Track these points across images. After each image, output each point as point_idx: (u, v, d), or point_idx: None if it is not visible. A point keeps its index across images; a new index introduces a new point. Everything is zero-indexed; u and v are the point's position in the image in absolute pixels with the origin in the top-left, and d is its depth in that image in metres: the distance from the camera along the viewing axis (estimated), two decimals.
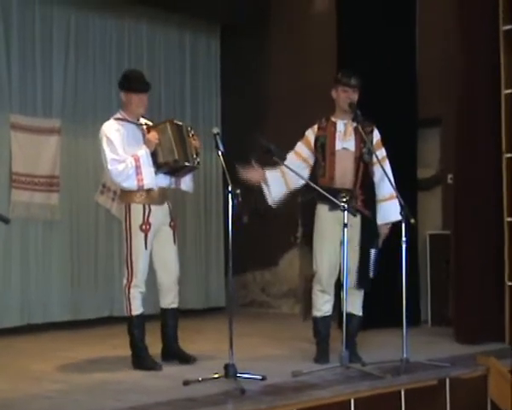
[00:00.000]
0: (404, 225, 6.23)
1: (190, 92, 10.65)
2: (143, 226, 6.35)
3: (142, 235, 6.36)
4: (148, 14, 10.14)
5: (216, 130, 6.33)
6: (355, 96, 6.66)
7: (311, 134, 6.81)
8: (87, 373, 6.29)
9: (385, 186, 6.55)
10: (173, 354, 6.57)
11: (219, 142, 6.23)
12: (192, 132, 6.61)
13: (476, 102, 7.63)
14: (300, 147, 6.82)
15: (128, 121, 6.48)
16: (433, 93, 8.96)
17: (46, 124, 9.12)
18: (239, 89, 10.95)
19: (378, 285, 8.19)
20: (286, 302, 10.74)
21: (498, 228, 7.53)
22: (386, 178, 6.45)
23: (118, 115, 6.53)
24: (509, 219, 7.49)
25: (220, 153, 6.13)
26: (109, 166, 6.31)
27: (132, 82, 6.49)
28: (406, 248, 6.25)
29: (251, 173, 6.60)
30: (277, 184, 6.66)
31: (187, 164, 6.41)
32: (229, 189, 5.72)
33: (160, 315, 6.65)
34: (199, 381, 5.57)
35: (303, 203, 8.83)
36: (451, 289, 8.05)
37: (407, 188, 8.17)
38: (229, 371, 5.53)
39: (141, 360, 6.37)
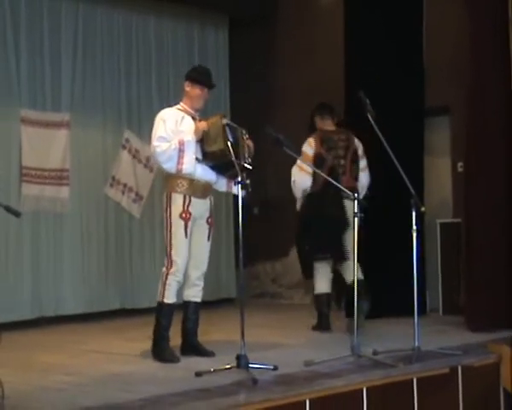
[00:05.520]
0: (414, 213, 6.23)
1: None
2: (183, 215, 6.35)
3: (182, 223, 6.36)
4: (155, 7, 10.14)
5: (225, 121, 6.34)
6: None
7: None
8: (99, 365, 6.29)
9: None
10: (193, 348, 6.52)
11: (229, 133, 6.23)
12: (247, 136, 6.58)
13: (486, 90, 7.61)
14: None
15: (187, 112, 6.54)
16: (441, 82, 8.94)
17: (55, 118, 9.15)
18: (247, 80, 10.95)
19: (387, 274, 8.23)
20: (297, 292, 10.75)
21: (509, 216, 7.51)
22: None
23: (178, 106, 6.62)
24: None
25: (230, 143, 6.14)
26: (154, 143, 6.35)
27: (200, 75, 6.61)
28: (417, 236, 6.26)
29: None
30: None
31: (234, 159, 6.18)
32: (239, 179, 5.72)
33: (182, 307, 6.61)
34: (211, 372, 5.58)
35: None
36: (462, 278, 8.04)
37: (415, 176, 8.20)
38: (241, 361, 5.52)
39: (160, 350, 6.34)
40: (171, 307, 6.42)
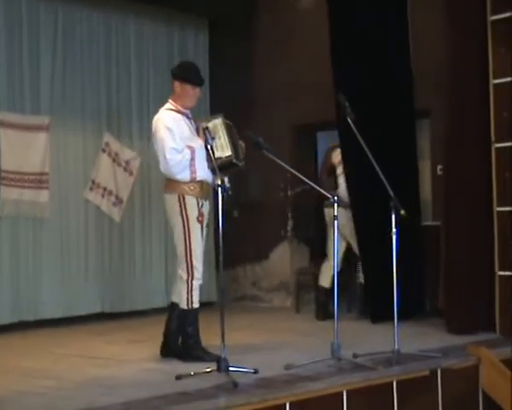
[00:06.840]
0: (393, 216, 6.25)
1: None
2: (199, 218, 6.34)
3: (199, 226, 6.36)
4: (135, 9, 10.10)
5: (205, 124, 6.33)
6: None
7: None
8: (79, 369, 6.28)
9: None
10: (173, 351, 6.51)
11: (209, 136, 6.23)
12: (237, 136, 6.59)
13: (465, 92, 7.64)
14: None
15: (181, 113, 6.46)
16: (421, 86, 8.96)
17: (35, 121, 9.09)
18: (227, 82, 10.94)
19: (382, 278, 8.28)
20: (277, 296, 10.75)
21: (488, 218, 7.55)
22: None
23: (169, 106, 6.50)
24: (498, 208, 7.51)
25: (209, 147, 6.13)
26: (168, 155, 6.25)
27: (190, 74, 6.50)
28: (397, 239, 6.29)
29: None
30: None
31: (235, 162, 6.29)
32: (219, 183, 5.71)
33: (168, 308, 6.62)
34: (191, 375, 5.57)
35: None
36: (442, 280, 8.08)
37: (408, 179, 8.27)
38: (222, 365, 5.52)
39: (200, 350, 6.33)
40: (198, 310, 6.43)
